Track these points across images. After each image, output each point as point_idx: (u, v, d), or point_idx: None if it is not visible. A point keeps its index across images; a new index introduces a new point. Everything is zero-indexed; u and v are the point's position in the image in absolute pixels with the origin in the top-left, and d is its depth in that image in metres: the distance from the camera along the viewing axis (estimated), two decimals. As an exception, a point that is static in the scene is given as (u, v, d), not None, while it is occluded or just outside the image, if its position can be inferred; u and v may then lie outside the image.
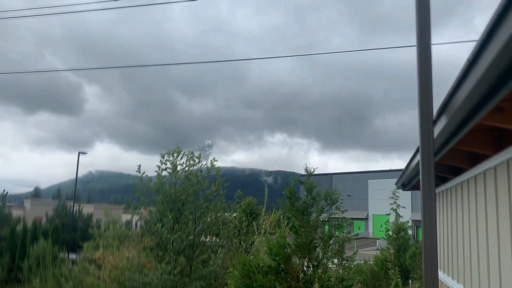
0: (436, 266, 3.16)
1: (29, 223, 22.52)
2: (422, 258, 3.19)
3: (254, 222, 12.70)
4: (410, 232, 16.53)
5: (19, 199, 68.33)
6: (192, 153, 10.69)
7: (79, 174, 35.78)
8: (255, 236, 11.71)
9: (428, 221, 3.19)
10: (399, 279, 13.50)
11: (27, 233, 20.25)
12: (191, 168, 10.50)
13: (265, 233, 11.67)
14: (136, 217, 10.61)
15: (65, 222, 30.76)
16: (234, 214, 12.00)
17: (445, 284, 6.73)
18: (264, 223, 12.57)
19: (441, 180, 6.83)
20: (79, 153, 35.11)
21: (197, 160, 10.61)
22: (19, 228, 21.76)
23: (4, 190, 28.93)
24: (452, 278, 6.21)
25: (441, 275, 6.98)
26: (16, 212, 31.02)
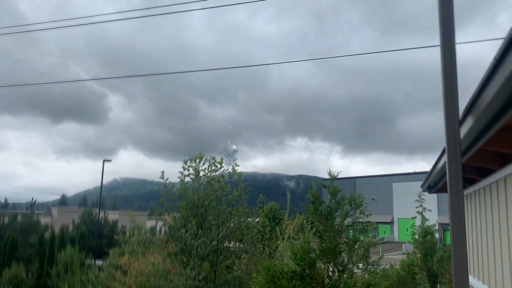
0: (467, 270, 3.07)
1: (57, 230, 23.05)
2: (451, 262, 3.11)
3: (277, 227, 12.64)
4: (437, 235, 16.14)
5: (47, 207, 70.02)
6: (214, 158, 10.74)
7: (104, 182, 36.45)
8: (279, 241, 11.66)
9: (457, 225, 3.11)
10: (427, 284, 13.21)
11: (55, 240, 20.74)
12: (213, 174, 10.54)
13: (288, 238, 11.60)
14: (160, 223, 10.71)
15: (91, 229, 31.37)
16: (257, 219, 11.98)
17: (475, 289, 6.55)
18: (287, 228, 12.51)
19: (468, 182, 6.67)
20: (104, 160, 35.86)
21: (219, 166, 10.65)
22: (47, 235, 22.30)
23: (32, 198, 29.72)
24: (483, 283, 6.03)
25: (471, 279, 6.79)
26: (44, 220, 31.78)
